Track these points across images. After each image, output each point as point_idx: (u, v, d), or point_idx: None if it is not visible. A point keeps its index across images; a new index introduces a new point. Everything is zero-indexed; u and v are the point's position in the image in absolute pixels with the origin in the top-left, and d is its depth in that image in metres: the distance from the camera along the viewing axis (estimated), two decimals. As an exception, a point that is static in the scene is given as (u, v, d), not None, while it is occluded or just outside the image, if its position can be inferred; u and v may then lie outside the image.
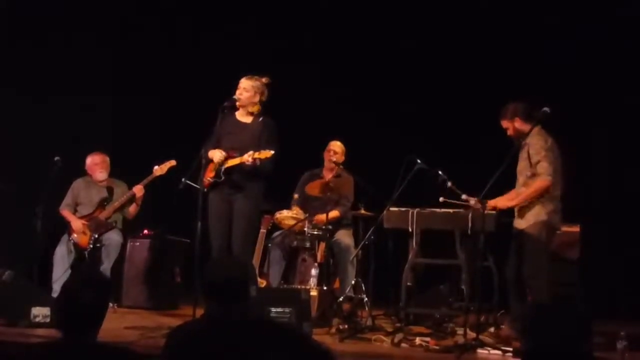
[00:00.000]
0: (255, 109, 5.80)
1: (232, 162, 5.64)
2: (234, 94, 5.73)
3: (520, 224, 5.46)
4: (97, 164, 6.88)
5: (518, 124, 5.51)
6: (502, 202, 5.48)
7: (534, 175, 5.38)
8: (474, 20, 7.51)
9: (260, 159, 5.51)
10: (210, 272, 2.94)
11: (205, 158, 5.59)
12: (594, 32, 7.14)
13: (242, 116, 5.82)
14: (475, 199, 5.33)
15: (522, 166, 5.47)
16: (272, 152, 5.51)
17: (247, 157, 5.52)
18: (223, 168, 5.65)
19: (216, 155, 5.65)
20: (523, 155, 5.44)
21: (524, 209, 5.45)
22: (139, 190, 6.71)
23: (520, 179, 5.50)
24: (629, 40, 7.09)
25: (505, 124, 5.58)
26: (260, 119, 5.80)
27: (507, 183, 5.53)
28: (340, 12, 7.83)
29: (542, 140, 5.36)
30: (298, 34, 7.87)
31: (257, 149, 5.58)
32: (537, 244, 5.38)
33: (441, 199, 5.69)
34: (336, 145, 6.86)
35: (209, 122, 5.67)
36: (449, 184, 5.76)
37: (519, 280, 5.42)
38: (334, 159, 6.76)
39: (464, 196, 5.60)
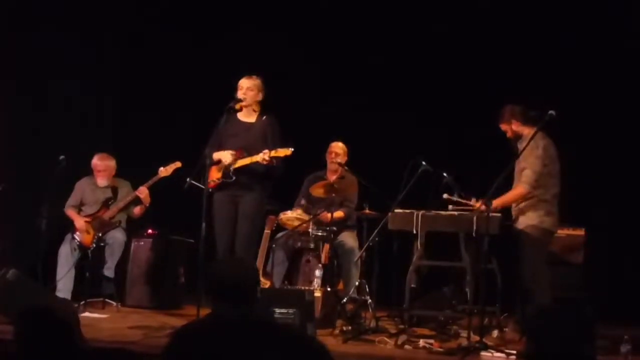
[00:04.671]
0: (258, 108, 5.81)
1: (242, 162, 5.62)
2: (236, 94, 5.73)
3: (515, 227, 5.49)
4: (99, 171, 6.87)
5: (515, 126, 5.56)
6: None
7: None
8: (479, 20, 7.48)
9: (278, 157, 5.49)
10: (220, 272, 2.93)
11: (210, 159, 5.55)
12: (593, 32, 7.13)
13: (245, 116, 5.81)
14: (481, 200, 5.33)
15: (518, 168, 5.50)
16: (291, 149, 5.48)
17: (263, 156, 5.49)
18: (232, 168, 5.64)
19: (225, 156, 5.63)
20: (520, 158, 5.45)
21: (517, 212, 5.49)
22: (142, 192, 6.71)
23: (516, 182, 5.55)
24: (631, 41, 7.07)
25: (503, 127, 5.62)
26: (264, 117, 5.80)
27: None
28: (341, 12, 7.81)
29: (534, 146, 5.34)
30: (298, 34, 7.86)
31: (265, 147, 5.57)
32: (531, 248, 5.42)
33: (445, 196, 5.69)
34: (337, 147, 6.83)
35: (213, 123, 5.66)
36: (455, 195, 5.75)
37: (520, 283, 5.43)
38: (337, 160, 6.72)
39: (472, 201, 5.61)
